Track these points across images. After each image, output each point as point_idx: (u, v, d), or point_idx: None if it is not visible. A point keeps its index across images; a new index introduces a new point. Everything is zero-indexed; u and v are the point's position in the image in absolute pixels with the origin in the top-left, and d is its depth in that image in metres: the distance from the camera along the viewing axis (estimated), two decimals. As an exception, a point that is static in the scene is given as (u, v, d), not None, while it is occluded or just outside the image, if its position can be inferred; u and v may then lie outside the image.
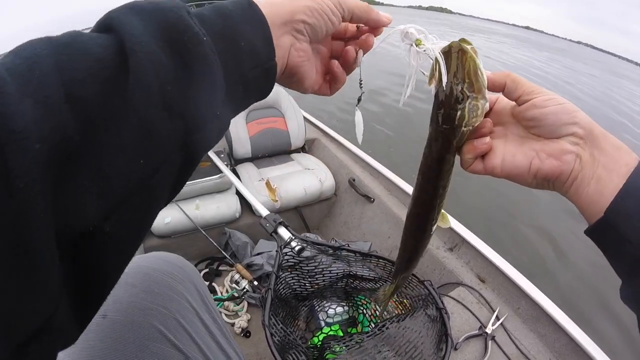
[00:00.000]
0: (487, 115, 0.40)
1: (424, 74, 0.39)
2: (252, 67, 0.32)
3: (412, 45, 0.39)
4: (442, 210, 0.45)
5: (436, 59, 0.36)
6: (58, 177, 0.20)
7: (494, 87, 0.39)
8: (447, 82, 0.36)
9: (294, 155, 2.10)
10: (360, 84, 0.48)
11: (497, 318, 1.19)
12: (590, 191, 0.35)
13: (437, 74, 0.37)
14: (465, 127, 0.37)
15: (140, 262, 0.60)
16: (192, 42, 0.26)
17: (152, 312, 0.54)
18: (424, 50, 0.38)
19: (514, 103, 0.39)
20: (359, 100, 0.49)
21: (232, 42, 0.30)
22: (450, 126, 0.37)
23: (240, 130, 1.90)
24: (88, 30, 0.26)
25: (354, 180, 1.90)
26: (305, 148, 2.21)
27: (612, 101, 10.81)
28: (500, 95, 0.40)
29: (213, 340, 0.62)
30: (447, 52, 0.36)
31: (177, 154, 0.26)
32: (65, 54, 0.21)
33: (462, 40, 0.36)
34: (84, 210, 0.21)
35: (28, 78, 0.20)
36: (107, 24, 0.25)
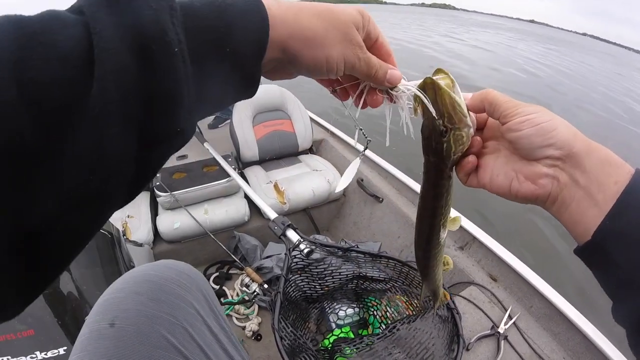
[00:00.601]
0: (482, 130, 0.42)
1: (408, 108, 0.40)
2: (231, 73, 0.30)
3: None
4: (455, 215, 0.46)
5: (417, 96, 0.37)
6: (10, 178, 0.20)
7: (475, 111, 0.39)
8: (427, 119, 0.37)
9: (301, 157, 2.10)
10: (364, 133, 0.49)
11: (510, 317, 1.17)
12: (572, 212, 0.34)
13: (418, 107, 0.38)
14: (454, 155, 0.38)
15: (148, 270, 0.60)
16: (163, 52, 0.24)
17: (159, 320, 0.54)
18: (402, 90, 0.39)
19: None
20: (366, 148, 0.51)
21: (215, 47, 0.28)
22: (439, 157, 0.39)
23: (247, 133, 1.91)
24: None
25: (362, 180, 1.90)
26: (313, 149, 2.21)
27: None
28: None
29: (221, 348, 0.62)
30: (423, 88, 0.37)
31: (131, 168, 0.25)
32: (28, 50, 0.20)
33: (438, 70, 0.36)
34: (35, 211, 0.21)
35: None
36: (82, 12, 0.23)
